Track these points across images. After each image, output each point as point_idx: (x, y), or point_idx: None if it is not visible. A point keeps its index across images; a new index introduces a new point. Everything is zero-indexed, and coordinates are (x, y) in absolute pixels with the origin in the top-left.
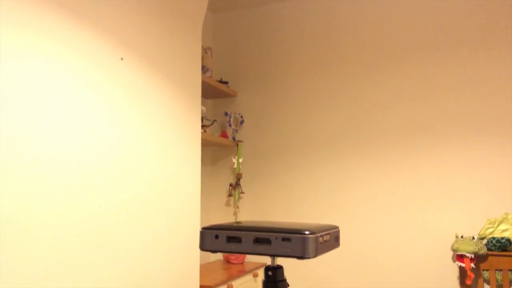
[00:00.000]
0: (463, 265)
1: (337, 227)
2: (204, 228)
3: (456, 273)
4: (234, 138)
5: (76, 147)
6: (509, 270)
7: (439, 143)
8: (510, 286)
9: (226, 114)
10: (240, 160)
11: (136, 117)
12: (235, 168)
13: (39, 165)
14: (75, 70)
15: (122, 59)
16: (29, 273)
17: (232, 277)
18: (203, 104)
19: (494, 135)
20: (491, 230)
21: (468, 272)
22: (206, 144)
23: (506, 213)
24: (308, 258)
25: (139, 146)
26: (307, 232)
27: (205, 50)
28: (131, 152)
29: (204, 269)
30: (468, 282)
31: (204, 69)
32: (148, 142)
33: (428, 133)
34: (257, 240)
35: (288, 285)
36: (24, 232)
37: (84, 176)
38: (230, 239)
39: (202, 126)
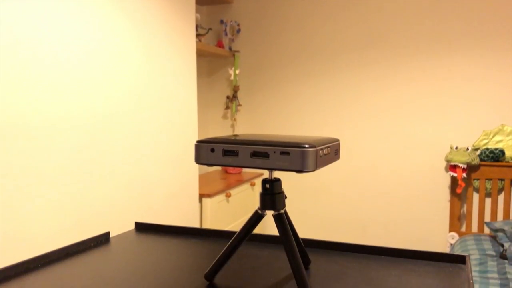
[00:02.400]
0: (455, 175)
1: (337, 140)
2: (199, 142)
3: (447, 182)
4: (230, 48)
5: (55, 53)
6: (499, 179)
7: (437, 57)
8: (498, 194)
9: (221, 22)
10: (237, 72)
11: (120, 22)
12: (232, 80)
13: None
14: None
15: None
16: (28, 184)
17: (230, 186)
18: (197, 11)
19: (491, 48)
20: (485, 141)
21: (460, 182)
22: (201, 55)
23: (502, 124)
24: (307, 171)
25: (125, 55)
26: (306, 146)
27: None
28: (115, 62)
29: (203, 178)
30: (458, 191)
31: None
32: (136, 50)
33: (426, 47)
34: (255, 154)
35: (286, 197)
36: (22, 143)
37: (77, 83)
38: (226, 152)
39: (197, 35)
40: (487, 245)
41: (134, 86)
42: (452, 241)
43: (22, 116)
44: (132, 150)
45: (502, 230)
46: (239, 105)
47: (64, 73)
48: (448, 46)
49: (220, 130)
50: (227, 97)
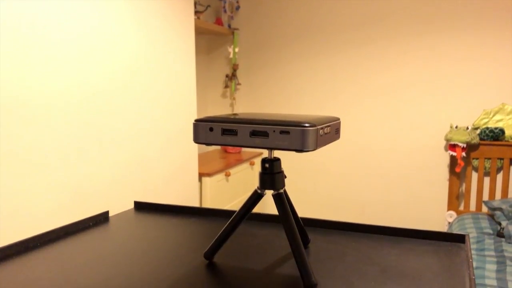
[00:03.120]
0: (454, 154)
1: (338, 119)
2: (197, 120)
3: (447, 161)
4: (229, 26)
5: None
6: (498, 158)
7: (438, 36)
8: (497, 173)
9: None
10: (236, 50)
11: (118, 0)
12: (231, 58)
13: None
14: None
15: None
16: (26, 165)
17: (230, 166)
18: None
19: (493, 27)
20: (486, 120)
21: (459, 161)
22: (200, 32)
23: (502, 103)
24: (308, 151)
25: (123, 32)
26: (306, 125)
27: None
28: (113, 40)
29: (203, 158)
30: (457, 170)
31: None
32: (133, 27)
33: (426, 26)
34: (254, 133)
35: (286, 177)
36: (20, 121)
37: (74, 61)
38: (225, 131)
39: (195, 12)
40: (485, 224)
41: (132, 64)
42: (450, 220)
43: (20, 93)
44: (130, 129)
45: (500, 209)
46: (239, 84)
47: (61, 51)
48: (448, 25)
49: (219, 109)
50: (226, 76)
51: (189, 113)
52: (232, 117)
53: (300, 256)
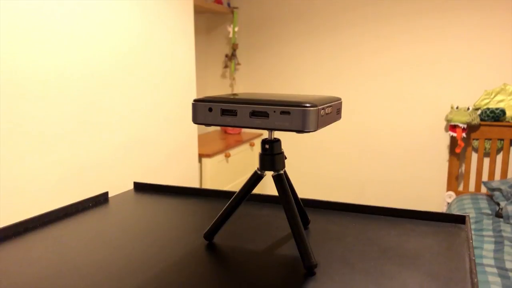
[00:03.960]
0: (454, 135)
1: (339, 99)
2: (196, 100)
3: (447, 142)
4: (229, 4)
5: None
6: (498, 139)
7: (439, 16)
8: (497, 153)
9: None
10: (236, 29)
11: None
12: (230, 37)
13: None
14: None
15: None
16: (25, 146)
17: (230, 147)
18: None
19: (494, 7)
20: (487, 101)
21: (459, 142)
22: (199, 11)
23: (504, 83)
24: (308, 132)
25: (121, 11)
26: (307, 105)
27: None
28: (111, 18)
29: (203, 139)
30: (458, 150)
31: None
32: (132, 6)
33: (429, 6)
34: (254, 114)
35: (286, 158)
36: (19, 101)
37: (73, 41)
38: (224, 112)
39: None
40: (483, 204)
41: (131, 44)
42: (449, 200)
43: (19, 73)
44: (130, 109)
45: (499, 190)
46: (238, 64)
47: (60, 30)
48: (450, 4)
49: (219, 89)
50: (226, 56)
51: (188, 93)
52: (231, 97)
53: (300, 237)
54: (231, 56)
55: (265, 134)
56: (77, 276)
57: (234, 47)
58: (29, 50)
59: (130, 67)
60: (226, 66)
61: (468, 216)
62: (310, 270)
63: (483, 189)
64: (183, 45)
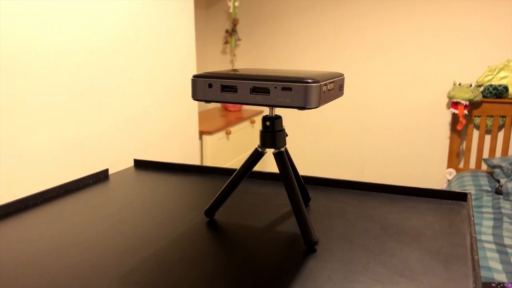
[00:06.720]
0: (456, 111)
1: (341, 75)
2: (196, 76)
3: (448, 119)
4: None
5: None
6: (500, 116)
7: None
8: (498, 131)
9: None
10: (237, 4)
11: None
12: (231, 12)
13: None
14: None
15: None
16: (25, 123)
17: (230, 124)
18: None
19: None
20: (490, 77)
21: (460, 119)
22: None
23: (508, 60)
24: (310, 108)
25: None
26: (309, 81)
27: None
28: None
29: (203, 116)
30: (459, 127)
31: None
32: None
33: None
34: (255, 90)
35: (287, 135)
36: (18, 78)
37: (71, 16)
38: (224, 88)
39: None
40: (484, 181)
41: (129, 20)
42: (450, 177)
43: (17, 48)
44: (129, 85)
45: (500, 167)
46: (239, 39)
47: (59, 4)
48: None
49: (219, 65)
50: (226, 31)
51: (188, 69)
52: (232, 73)
53: (301, 214)
54: (232, 32)
55: (266, 111)
56: (77, 252)
57: (234, 22)
58: (27, 24)
59: (129, 43)
60: (226, 42)
61: (470, 193)
62: (310, 247)
63: (484, 166)
64: (182, 21)
